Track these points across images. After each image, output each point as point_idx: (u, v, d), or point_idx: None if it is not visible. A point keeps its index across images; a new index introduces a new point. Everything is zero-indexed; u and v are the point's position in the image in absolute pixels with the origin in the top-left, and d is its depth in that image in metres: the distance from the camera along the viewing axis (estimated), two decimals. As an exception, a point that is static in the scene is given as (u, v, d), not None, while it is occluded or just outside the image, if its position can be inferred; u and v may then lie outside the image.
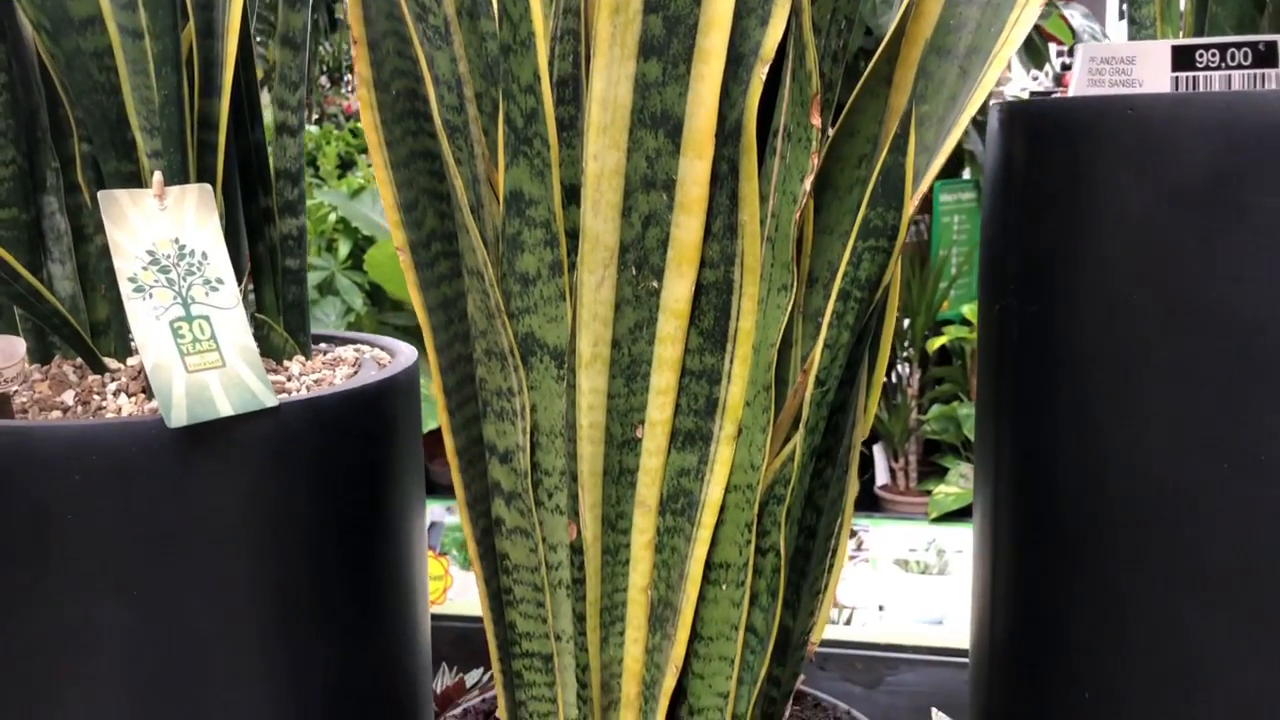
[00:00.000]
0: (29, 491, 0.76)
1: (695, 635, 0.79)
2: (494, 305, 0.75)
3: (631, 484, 0.78)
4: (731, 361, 0.74)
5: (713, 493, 0.76)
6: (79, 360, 0.93)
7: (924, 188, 0.71)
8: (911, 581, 2.55)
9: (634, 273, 0.74)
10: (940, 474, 3.38)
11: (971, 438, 3.20)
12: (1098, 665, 0.66)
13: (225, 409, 0.77)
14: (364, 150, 3.86)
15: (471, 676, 1.58)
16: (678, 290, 0.73)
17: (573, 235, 0.75)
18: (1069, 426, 0.67)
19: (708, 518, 0.76)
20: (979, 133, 3.34)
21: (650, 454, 0.77)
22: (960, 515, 3.24)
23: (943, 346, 3.37)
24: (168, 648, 0.78)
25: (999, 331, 0.75)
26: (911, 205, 0.71)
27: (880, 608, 2.27)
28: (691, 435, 0.76)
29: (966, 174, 3.47)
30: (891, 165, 0.70)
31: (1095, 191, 0.64)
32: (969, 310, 3.23)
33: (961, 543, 3.06)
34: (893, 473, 3.36)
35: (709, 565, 0.77)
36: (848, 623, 2.11)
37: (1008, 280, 0.72)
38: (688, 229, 0.72)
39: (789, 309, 0.72)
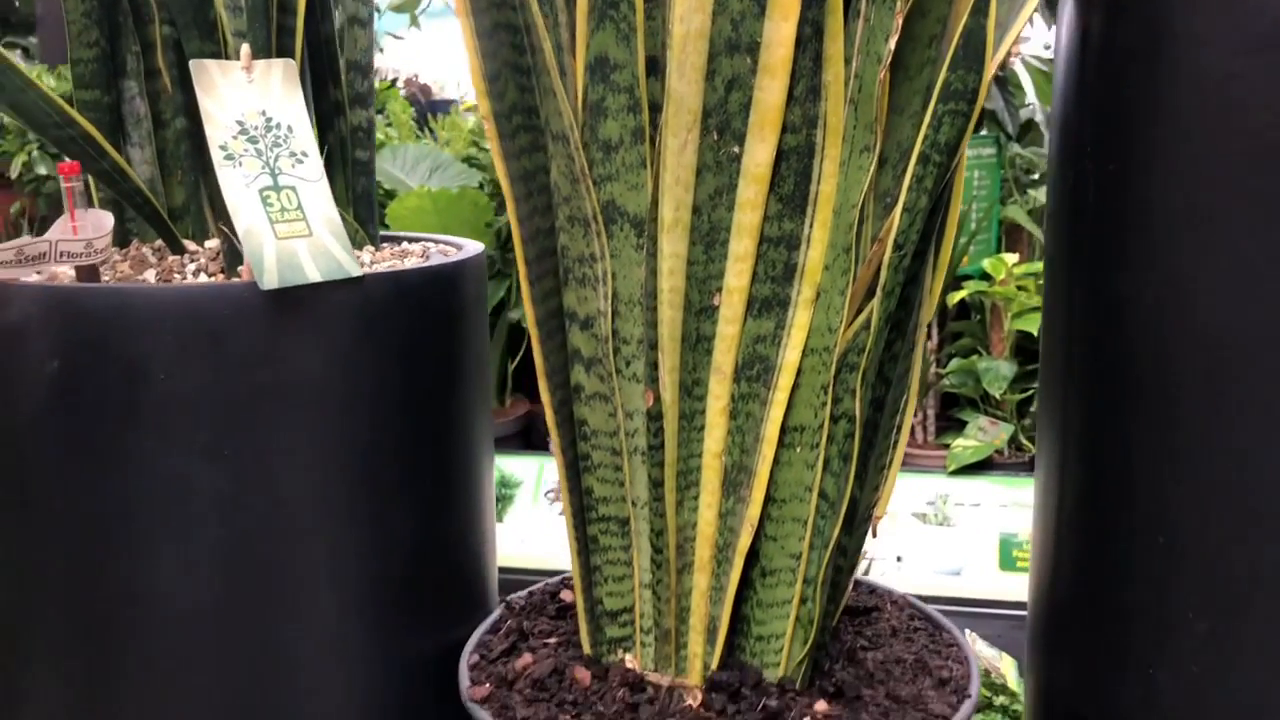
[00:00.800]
0: (124, 352, 0.78)
1: (769, 498, 0.81)
2: (579, 169, 0.77)
3: (708, 351, 0.80)
4: (811, 226, 0.76)
5: (789, 356, 0.78)
6: (157, 243, 0.95)
7: (1002, 53, 0.73)
8: (929, 534, 2.58)
9: (715, 138, 0.75)
10: (959, 427, 3.40)
11: (990, 392, 3.24)
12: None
13: (313, 275, 0.79)
14: (381, 109, 3.88)
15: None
16: (759, 155, 0.75)
17: (654, 107, 0.77)
18: (1152, 281, 0.69)
19: (784, 380, 0.78)
20: (1000, 90, 3.35)
21: (727, 321, 0.79)
22: (978, 469, 3.27)
23: (962, 301, 3.38)
24: (256, 508, 0.81)
25: (1073, 199, 0.77)
26: (991, 68, 0.72)
27: (899, 559, 2.30)
28: (768, 302, 0.78)
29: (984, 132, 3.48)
30: (973, 28, 0.71)
31: (1176, 45, 0.66)
32: (989, 264, 3.25)
33: (978, 495, 3.09)
34: (911, 427, 3.38)
35: (784, 429, 0.79)
36: (866, 573, 2.14)
37: (1084, 144, 0.74)
38: (771, 91, 0.73)
39: (871, 171, 0.74)
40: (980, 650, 1.68)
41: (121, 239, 0.96)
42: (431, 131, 3.98)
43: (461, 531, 0.94)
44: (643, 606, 0.85)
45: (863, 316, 0.78)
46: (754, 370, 0.79)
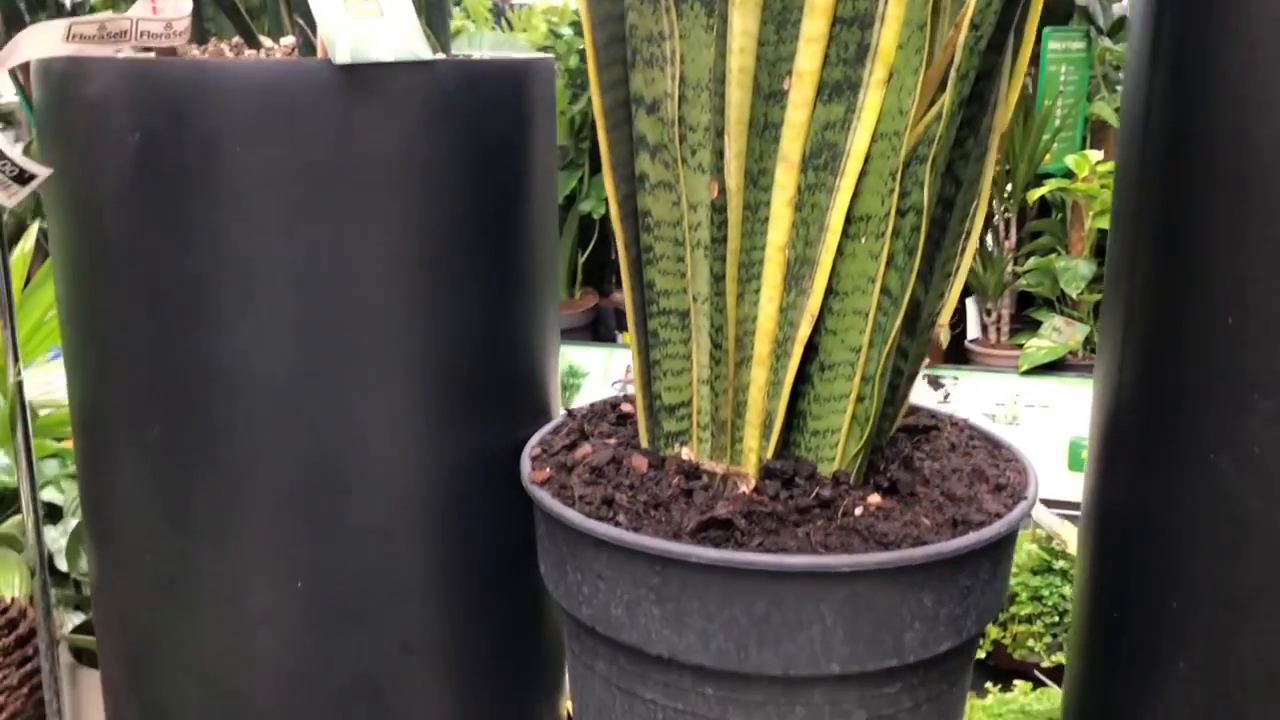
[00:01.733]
0: (201, 124, 0.80)
1: (830, 291, 0.81)
2: (650, -58, 0.76)
3: (775, 139, 0.79)
4: (886, 3, 0.75)
5: (858, 141, 0.77)
6: (235, 40, 0.96)
7: None
8: (998, 433, 2.56)
9: (791, -89, 0.74)
10: (1033, 328, 3.35)
11: (1067, 292, 3.17)
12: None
13: (385, 55, 0.80)
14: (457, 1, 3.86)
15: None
16: (834, -72, 0.74)
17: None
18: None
19: (852, 166, 0.77)
20: (1092, -19, 3.23)
21: (796, 107, 0.78)
22: (1051, 369, 3.22)
23: (1042, 199, 3.30)
24: (326, 284, 0.83)
25: (1148, 86, 0.74)
26: None
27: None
28: (839, 86, 0.77)
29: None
30: None
31: None
32: (1072, 161, 3.16)
33: (1049, 397, 3.05)
34: (984, 327, 3.34)
35: (849, 219, 0.79)
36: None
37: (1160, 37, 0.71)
38: None
39: (949, -58, 0.72)
40: (1044, 519, 1.68)
41: (200, 37, 0.97)
42: (509, 22, 3.96)
43: (525, 331, 0.96)
44: (700, 402, 0.86)
45: (934, 108, 0.77)
46: (821, 159, 0.79)
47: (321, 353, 0.84)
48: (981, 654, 1.58)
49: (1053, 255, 3.19)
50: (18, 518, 1.33)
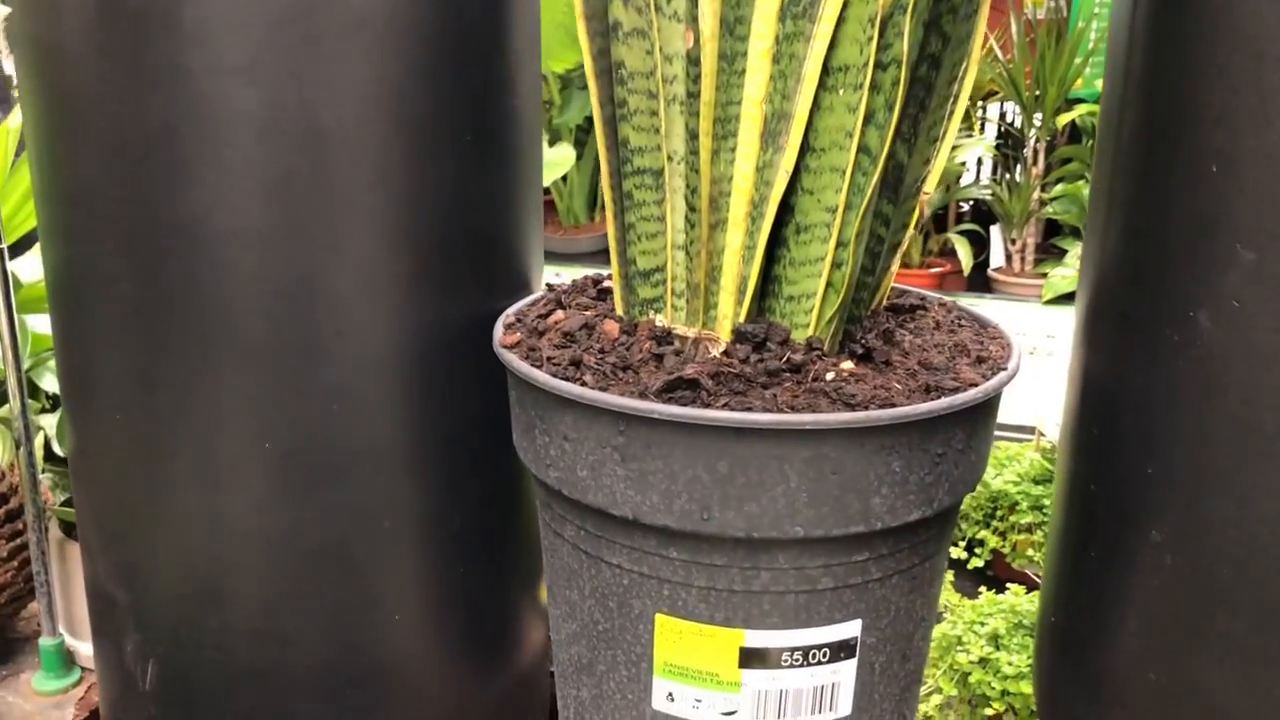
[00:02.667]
0: (165, -35, 0.77)
1: (807, 147, 0.78)
2: None
3: (753, -14, 0.76)
4: None
5: (836, -15, 0.74)
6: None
7: None
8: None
9: None
10: (1058, 256, 3.29)
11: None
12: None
13: (351, -105, 0.77)
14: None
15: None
16: None
17: None
18: None
19: (829, 11, 0.74)
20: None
21: (774, -48, 0.75)
22: (1073, 299, 3.17)
23: (1072, 124, 3.22)
24: (293, 135, 0.81)
25: None
26: None
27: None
28: (818, -72, 0.74)
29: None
30: None
31: None
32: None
33: (1071, 327, 3.00)
34: (1008, 255, 3.28)
35: (826, 69, 0.76)
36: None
37: None
38: None
39: None
40: (1050, 430, 1.65)
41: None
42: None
43: (503, 198, 0.94)
44: (674, 267, 0.84)
45: (919, -49, 0.74)
46: (800, 6, 0.76)
47: (288, 208, 0.83)
48: (979, 563, 1.57)
49: (1081, 182, 3.12)
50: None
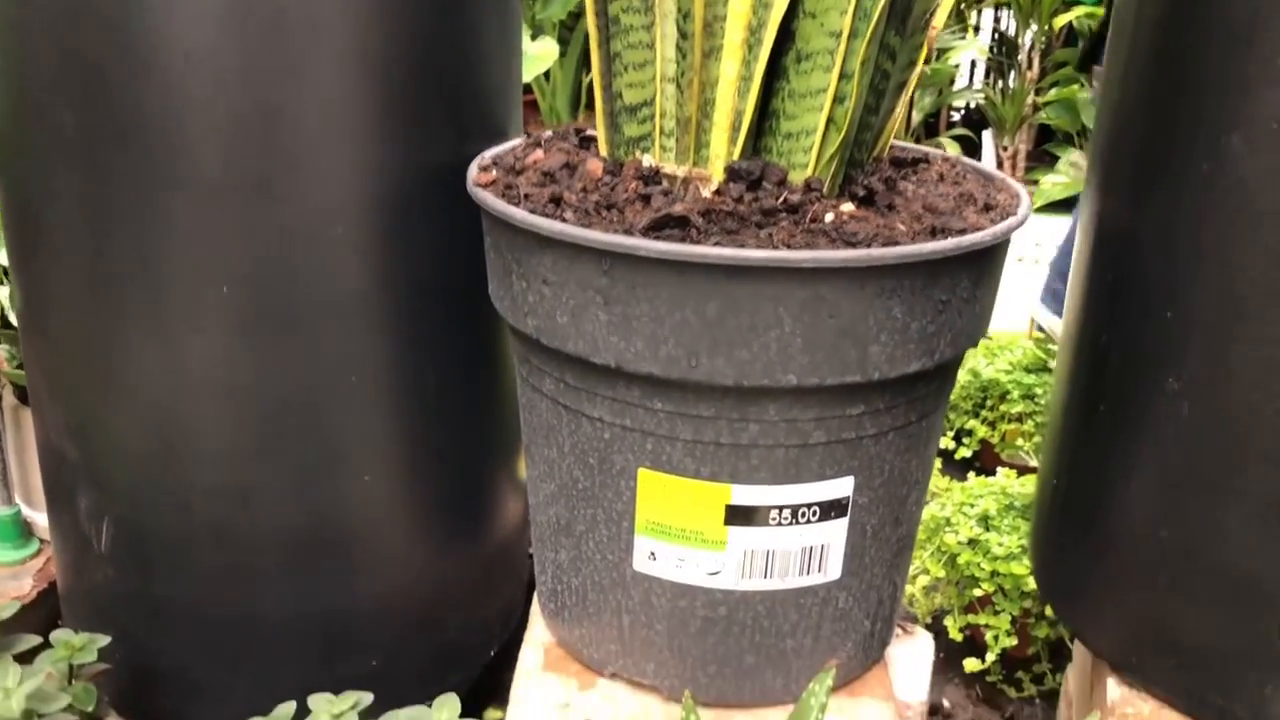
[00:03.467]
0: None
1: (810, -32, 0.72)
2: None
3: None
4: None
5: None
6: None
7: None
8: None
9: None
10: (1050, 162, 3.23)
11: (1089, 126, 3.03)
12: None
13: None
14: None
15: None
16: None
17: None
18: None
19: None
20: None
21: None
22: (1064, 207, 3.11)
23: (1069, 26, 3.14)
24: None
25: None
26: None
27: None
28: None
29: None
30: None
31: None
32: (1104, -14, 2.99)
33: (1060, 235, 2.95)
34: (999, 162, 3.22)
35: (834, -124, 0.70)
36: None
37: None
38: None
39: None
40: (1043, 319, 1.61)
41: None
42: None
43: (481, 41, 0.87)
44: (664, 102, 0.78)
45: None
46: None
47: (244, 29, 0.76)
48: (967, 453, 1.54)
49: (1075, 87, 3.05)
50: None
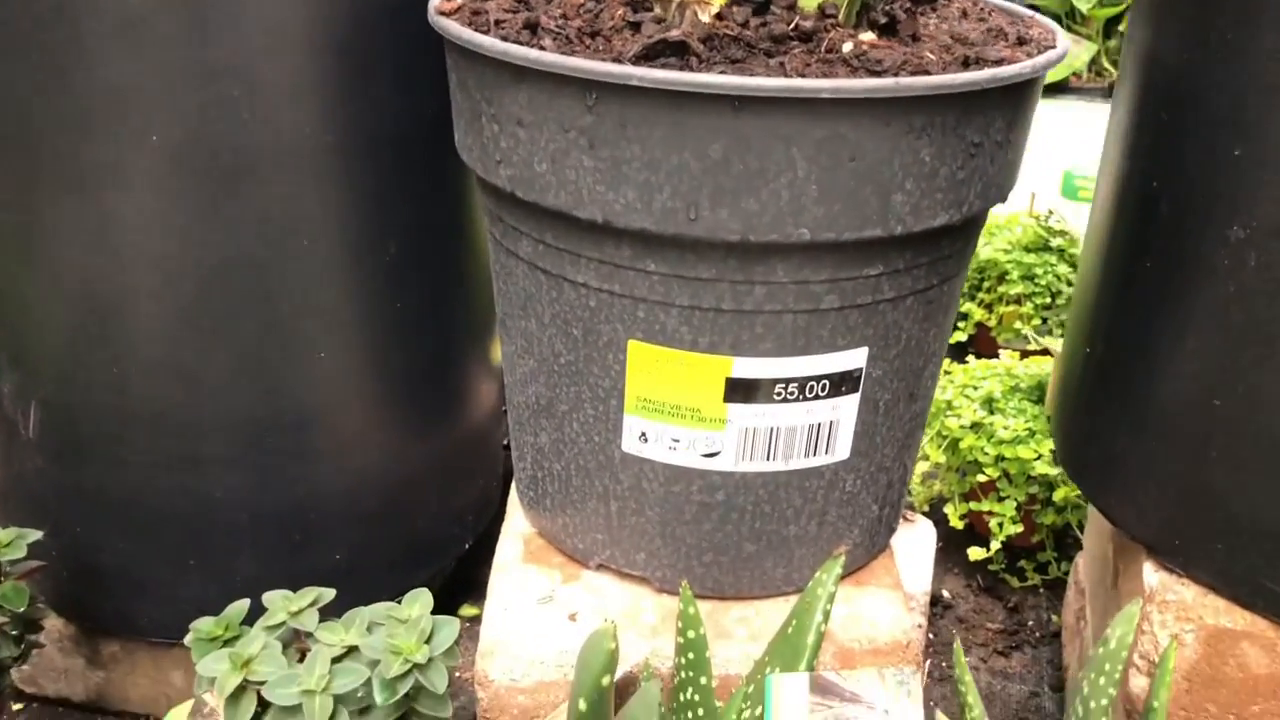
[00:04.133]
0: None
1: None
2: None
3: None
4: None
5: None
6: None
7: None
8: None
9: None
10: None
11: (1077, 7, 2.92)
12: None
13: None
14: None
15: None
16: None
17: None
18: None
19: None
20: None
21: None
22: (1049, 92, 3.00)
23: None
24: None
25: None
26: None
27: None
28: None
29: None
30: None
31: None
32: None
33: (1044, 122, 2.85)
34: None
35: None
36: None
37: None
38: None
39: None
40: (1045, 200, 1.53)
41: None
42: None
43: None
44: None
45: None
46: None
47: None
48: (962, 337, 1.47)
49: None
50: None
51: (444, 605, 1.08)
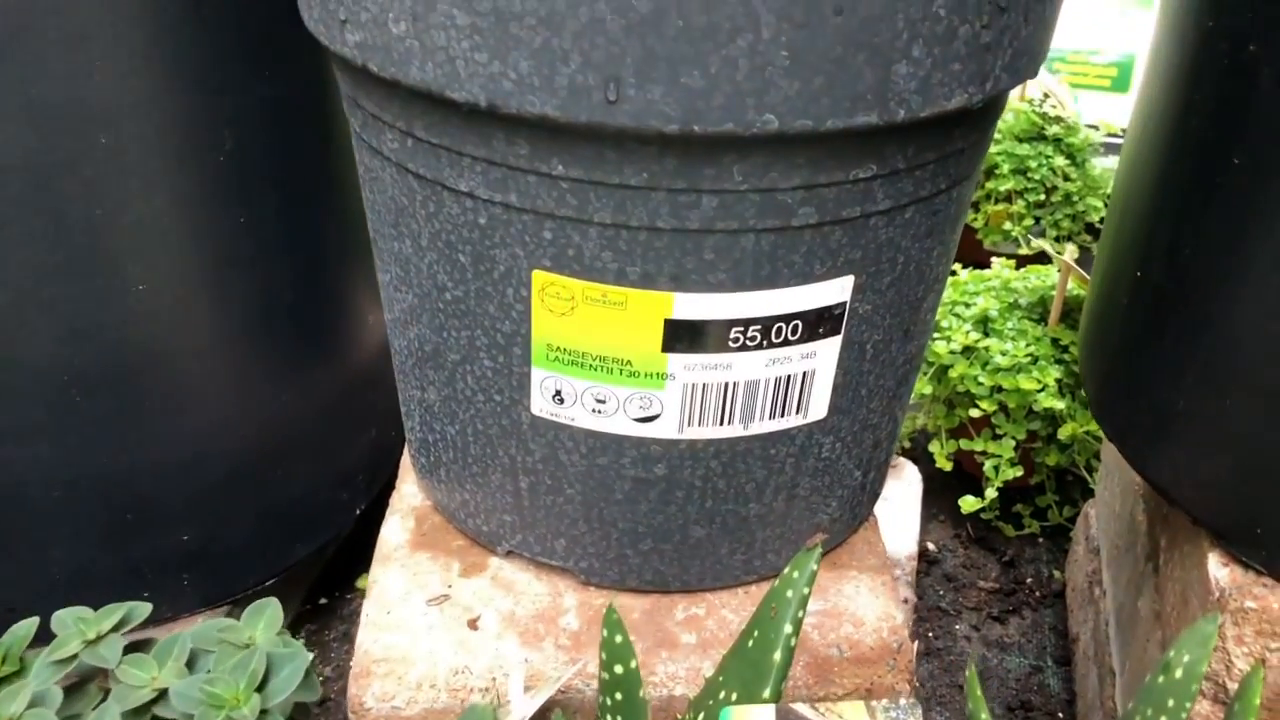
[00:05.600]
0: None
1: None
2: None
3: None
4: None
5: None
6: None
7: None
8: None
9: None
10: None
11: None
12: None
13: None
14: None
15: None
16: None
17: None
18: None
19: None
20: None
21: None
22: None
23: None
24: None
25: None
26: None
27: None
28: None
29: None
30: None
31: None
32: None
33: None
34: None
35: None
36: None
37: None
38: None
39: None
40: (1042, 78, 1.34)
41: None
42: None
43: None
44: None
45: None
46: None
47: None
48: (944, 241, 1.29)
49: None
50: None
51: (337, 576, 0.92)
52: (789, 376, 0.55)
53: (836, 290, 0.52)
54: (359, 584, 0.89)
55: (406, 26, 0.46)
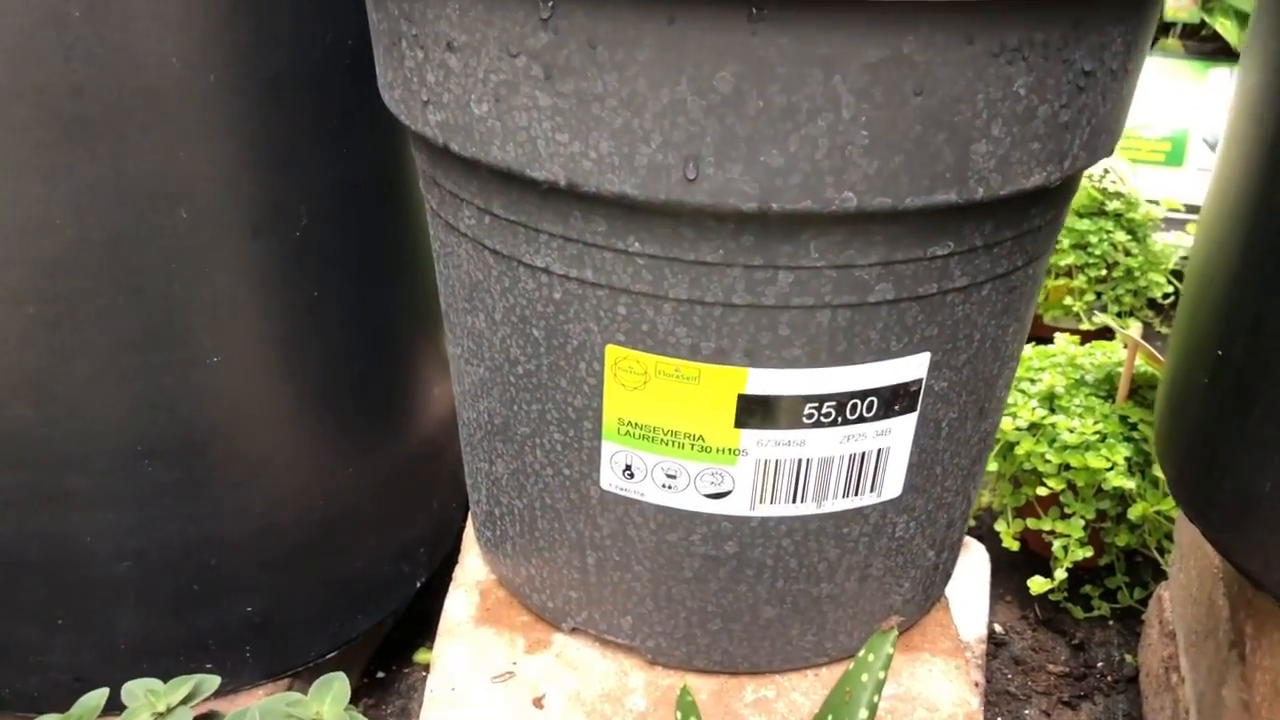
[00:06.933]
0: None
1: None
2: None
3: None
4: None
5: None
6: None
7: None
8: None
9: None
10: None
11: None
12: None
13: None
14: None
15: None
16: None
17: None
18: None
19: None
20: None
21: None
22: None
23: None
24: None
25: None
26: None
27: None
28: None
29: None
30: None
31: None
32: None
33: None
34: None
35: None
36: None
37: None
38: None
39: None
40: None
41: None
42: None
43: None
44: None
45: None
46: None
47: None
48: (1003, 315, 1.28)
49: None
50: None
51: (397, 650, 0.91)
52: (864, 454, 0.54)
53: (913, 367, 0.52)
54: (416, 658, 0.88)
55: (489, 107, 0.47)
